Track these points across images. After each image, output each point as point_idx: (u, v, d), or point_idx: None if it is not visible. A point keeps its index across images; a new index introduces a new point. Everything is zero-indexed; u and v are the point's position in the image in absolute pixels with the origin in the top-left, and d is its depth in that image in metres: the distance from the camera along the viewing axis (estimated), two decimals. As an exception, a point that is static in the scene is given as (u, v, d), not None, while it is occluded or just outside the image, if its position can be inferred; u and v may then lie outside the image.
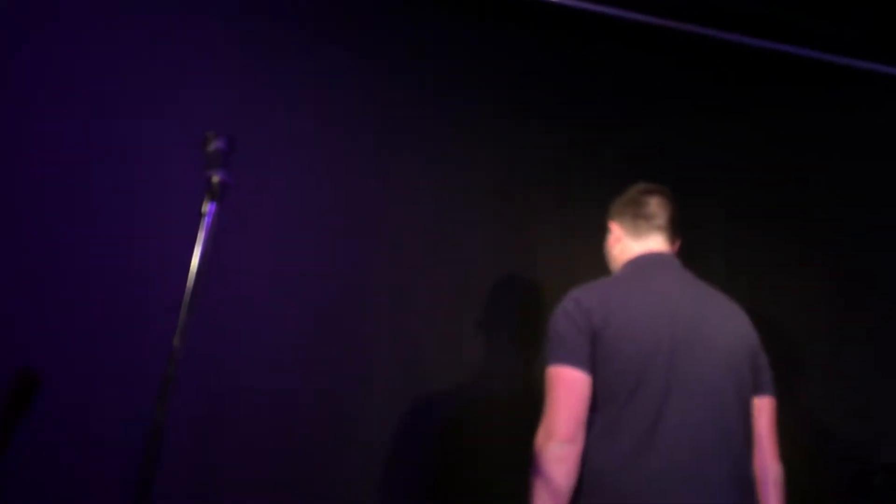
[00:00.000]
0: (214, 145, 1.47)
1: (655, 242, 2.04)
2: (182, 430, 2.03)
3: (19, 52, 2.31)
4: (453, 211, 2.57)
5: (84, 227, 2.25)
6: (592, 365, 1.84)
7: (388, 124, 2.59)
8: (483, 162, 2.64)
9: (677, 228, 2.08)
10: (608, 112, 2.80)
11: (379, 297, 2.45)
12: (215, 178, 1.43)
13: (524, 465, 1.85)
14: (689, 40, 2.86)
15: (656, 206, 2.06)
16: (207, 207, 1.43)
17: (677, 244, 2.09)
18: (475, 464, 2.38)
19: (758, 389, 1.94)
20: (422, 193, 2.56)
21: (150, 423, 1.34)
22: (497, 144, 2.67)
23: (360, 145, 2.56)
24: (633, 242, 2.06)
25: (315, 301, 2.41)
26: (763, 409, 1.95)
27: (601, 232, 2.16)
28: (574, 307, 1.90)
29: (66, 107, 2.32)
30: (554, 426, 1.79)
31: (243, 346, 2.30)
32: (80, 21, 2.40)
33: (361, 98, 2.59)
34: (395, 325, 2.44)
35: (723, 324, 1.93)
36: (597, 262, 2.19)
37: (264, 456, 2.24)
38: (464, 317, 2.50)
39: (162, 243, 2.23)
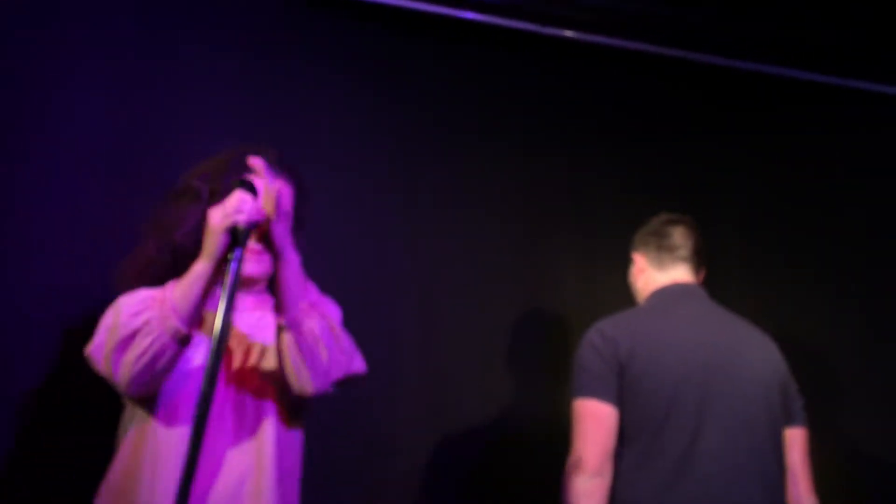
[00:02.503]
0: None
1: (680, 273, 2.02)
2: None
3: (25, 67, 2.26)
4: (476, 245, 2.55)
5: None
6: (619, 397, 1.84)
7: (409, 162, 2.57)
8: (506, 195, 2.62)
9: (702, 258, 2.06)
10: (630, 143, 2.78)
11: (405, 335, 2.43)
12: (241, 225, 1.45)
13: (553, 498, 1.85)
14: (707, 69, 2.85)
15: (680, 236, 2.04)
16: (234, 253, 1.44)
17: (702, 274, 2.07)
18: (505, 498, 2.37)
19: (789, 420, 1.92)
20: (445, 229, 2.55)
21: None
22: (519, 177, 2.65)
23: (381, 180, 2.56)
24: (657, 273, 2.04)
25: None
26: (795, 440, 1.92)
27: (626, 263, 2.16)
28: (599, 339, 1.89)
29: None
30: (582, 459, 1.79)
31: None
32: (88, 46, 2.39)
33: (382, 136, 2.58)
34: (421, 362, 2.42)
35: (752, 354, 1.92)
36: (622, 293, 2.18)
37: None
38: (490, 351, 2.48)
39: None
